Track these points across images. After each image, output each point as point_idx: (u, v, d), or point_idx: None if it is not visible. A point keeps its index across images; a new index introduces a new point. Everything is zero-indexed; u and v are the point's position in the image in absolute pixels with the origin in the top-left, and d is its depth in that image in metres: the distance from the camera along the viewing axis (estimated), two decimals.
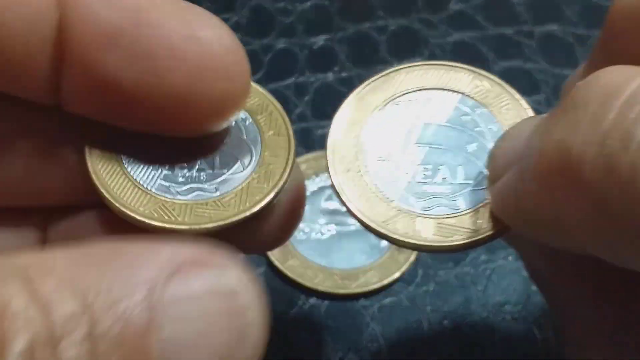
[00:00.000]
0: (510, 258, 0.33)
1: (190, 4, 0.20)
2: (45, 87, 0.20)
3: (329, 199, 0.33)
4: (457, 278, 0.32)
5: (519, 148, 0.19)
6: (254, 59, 0.37)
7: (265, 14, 0.39)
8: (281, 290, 0.31)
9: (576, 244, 0.17)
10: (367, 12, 0.40)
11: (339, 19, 0.39)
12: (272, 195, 0.22)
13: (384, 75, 0.24)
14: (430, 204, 0.22)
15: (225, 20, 0.38)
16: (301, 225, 0.32)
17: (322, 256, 0.32)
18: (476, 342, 0.31)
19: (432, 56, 0.38)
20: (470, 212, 0.21)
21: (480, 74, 0.24)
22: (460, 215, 0.21)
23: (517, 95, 0.23)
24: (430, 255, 0.33)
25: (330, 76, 0.37)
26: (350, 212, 0.22)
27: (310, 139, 0.35)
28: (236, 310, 0.15)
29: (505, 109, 0.23)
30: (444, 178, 0.22)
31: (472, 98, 0.23)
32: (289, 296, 0.31)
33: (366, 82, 0.24)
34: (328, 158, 0.22)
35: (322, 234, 0.32)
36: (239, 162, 0.22)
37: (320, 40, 0.38)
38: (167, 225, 0.21)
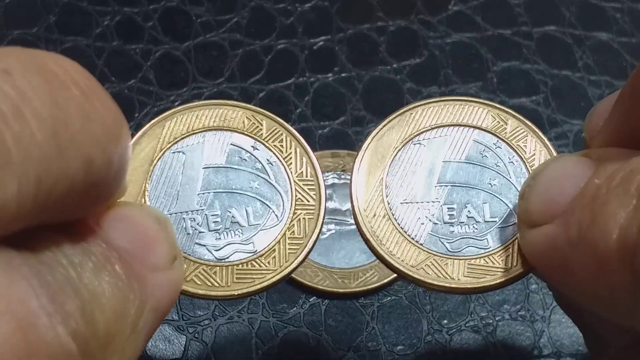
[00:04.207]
0: None
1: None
2: None
3: (328, 198, 0.33)
4: None
5: (559, 202, 0.19)
6: (255, 59, 0.38)
7: (265, 14, 0.39)
8: (281, 289, 0.32)
9: (623, 319, 0.18)
10: (366, 13, 0.40)
11: (338, 20, 0.39)
12: (308, 247, 0.22)
13: (399, 115, 0.24)
14: (460, 245, 0.22)
15: (226, 21, 0.39)
16: None
17: (322, 255, 0.32)
18: (475, 341, 0.31)
19: (432, 57, 0.38)
20: (500, 250, 0.22)
21: (495, 107, 0.24)
22: (490, 254, 0.22)
23: (534, 127, 0.24)
24: None
25: (330, 77, 0.37)
26: (380, 258, 0.22)
27: (311, 139, 0.35)
28: None
29: (523, 142, 0.23)
30: (469, 217, 0.22)
31: (489, 132, 0.24)
32: (289, 295, 0.31)
33: (383, 123, 0.24)
34: (353, 204, 0.23)
35: (322, 233, 0.32)
36: (272, 213, 0.22)
37: (320, 41, 0.39)
38: (212, 293, 0.21)
